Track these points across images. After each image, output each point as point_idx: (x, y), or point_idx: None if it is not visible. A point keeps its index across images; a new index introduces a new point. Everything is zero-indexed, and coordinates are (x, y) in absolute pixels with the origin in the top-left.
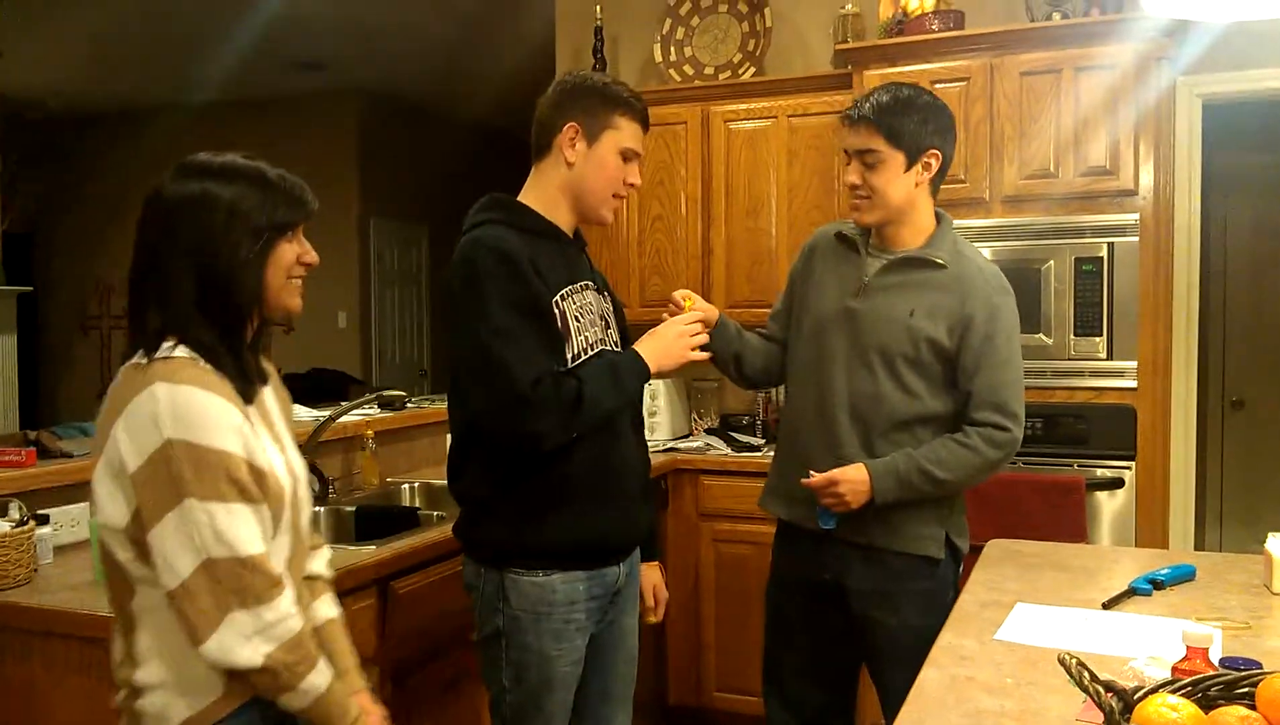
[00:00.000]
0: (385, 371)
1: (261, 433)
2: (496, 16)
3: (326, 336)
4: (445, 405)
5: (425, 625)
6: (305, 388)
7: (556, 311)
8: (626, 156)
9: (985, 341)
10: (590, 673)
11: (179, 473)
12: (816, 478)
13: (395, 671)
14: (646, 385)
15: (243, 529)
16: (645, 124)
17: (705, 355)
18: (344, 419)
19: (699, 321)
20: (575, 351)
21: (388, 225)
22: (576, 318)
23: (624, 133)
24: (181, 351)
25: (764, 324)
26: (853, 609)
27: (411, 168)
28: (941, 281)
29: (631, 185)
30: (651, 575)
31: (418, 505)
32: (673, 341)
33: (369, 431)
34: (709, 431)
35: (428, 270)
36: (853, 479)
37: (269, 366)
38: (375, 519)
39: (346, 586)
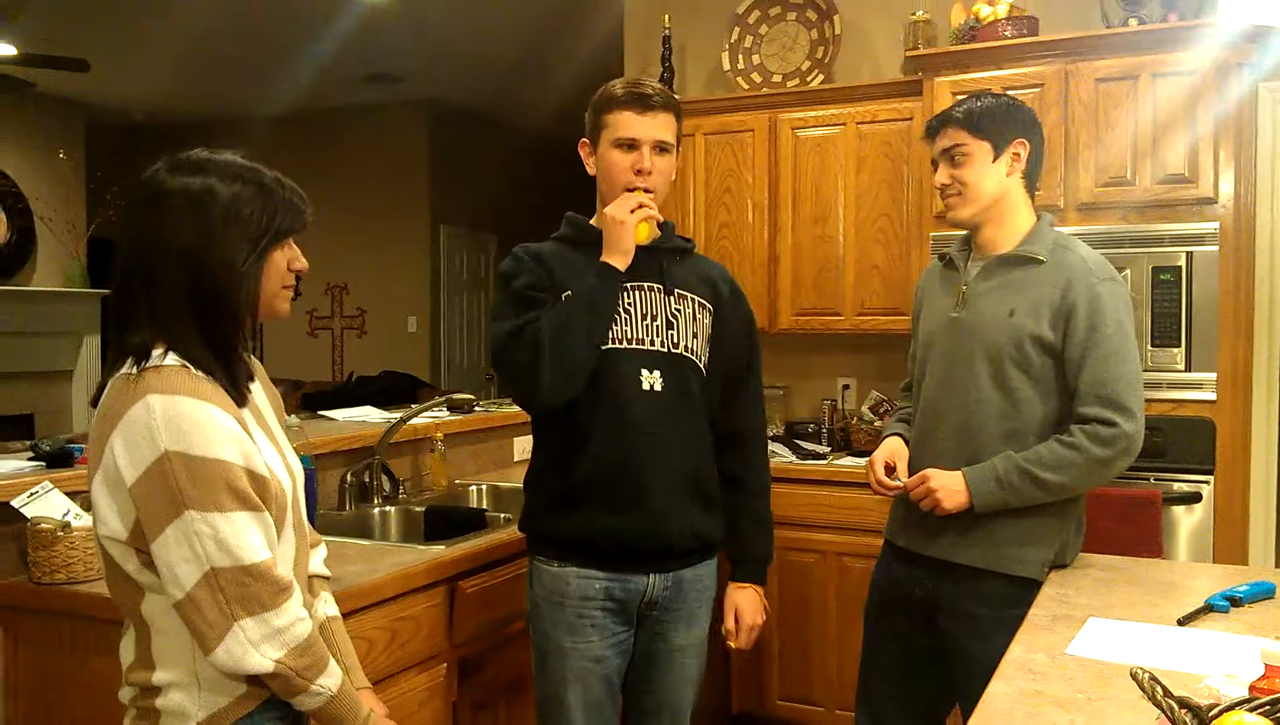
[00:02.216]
0: (453, 375)
1: (259, 435)
2: (566, 27)
3: (398, 340)
4: (510, 409)
5: (491, 624)
6: (377, 390)
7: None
8: (625, 145)
9: (1090, 332)
10: (642, 684)
11: (177, 485)
12: (909, 479)
13: (462, 669)
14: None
15: (245, 537)
16: (639, 107)
17: (652, 213)
18: (414, 421)
19: (640, 192)
20: None
21: (457, 233)
22: None
23: (613, 127)
24: (172, 359)
25: (833, 332)
26: (942, 629)
27: (480, 177)
28: (1041, 276)
29: (640, 172)
30: (736, 597)
31: (485, 507)
32: (614, 224)
33: (438, 434)
34: (774, 438)
35: (495, 277)
36: (945, 478)
37: (255, 364)
38: (444, 520)
39: (416, 585)
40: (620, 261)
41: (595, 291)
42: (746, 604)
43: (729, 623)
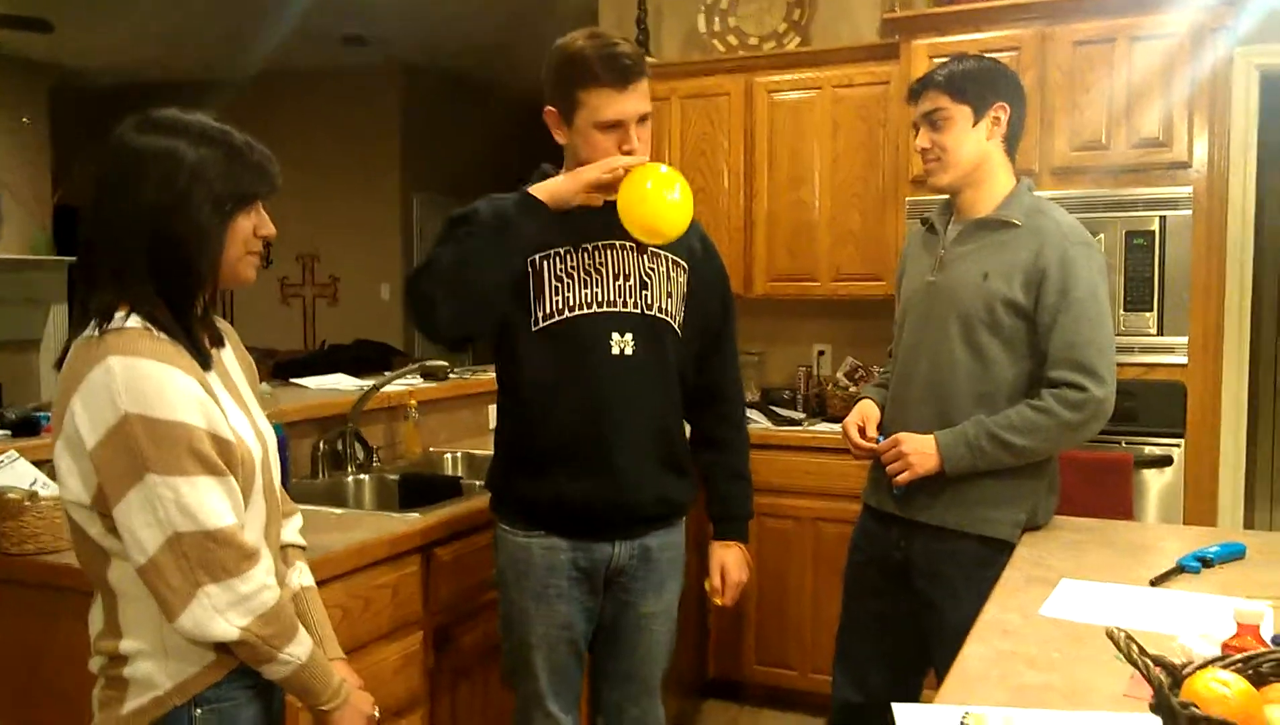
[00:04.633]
0: (427, 343)
1: (225, 399)
2: None
3: (370, 308)
4: (485, 376)
5: (468, 591)
6: (350, 358)
7: (531, 271)
8: (608, 127)
9: (1061, 296)
10: (611, 651)
11: (138, 448)
12: (882, 443)
13: (438, 636)
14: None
15: (208, 502)
16: (619, 82)
17: (610, 193)
18: (387, 389)
19: (621, 168)
20: (547, 311)
21: (429, 199)
22: (560, 277)
23: (593, 108)
24: (134, 321)
25: (808, 297)
26: (916, 589)
27: (453, 142)
28: (1016, 240)
29: (629, 152)
30: (721, 555)
31: (460, 474)
32: (573, 177)
33: (412, 401)
34: (750, 405)
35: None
36: (917, 442)
37: (228, 330)
38: (418, 487)
39: (390, 553)
40: (547, 197)
41: (505, 221)
42: (732, 562)
43: (715, 580)
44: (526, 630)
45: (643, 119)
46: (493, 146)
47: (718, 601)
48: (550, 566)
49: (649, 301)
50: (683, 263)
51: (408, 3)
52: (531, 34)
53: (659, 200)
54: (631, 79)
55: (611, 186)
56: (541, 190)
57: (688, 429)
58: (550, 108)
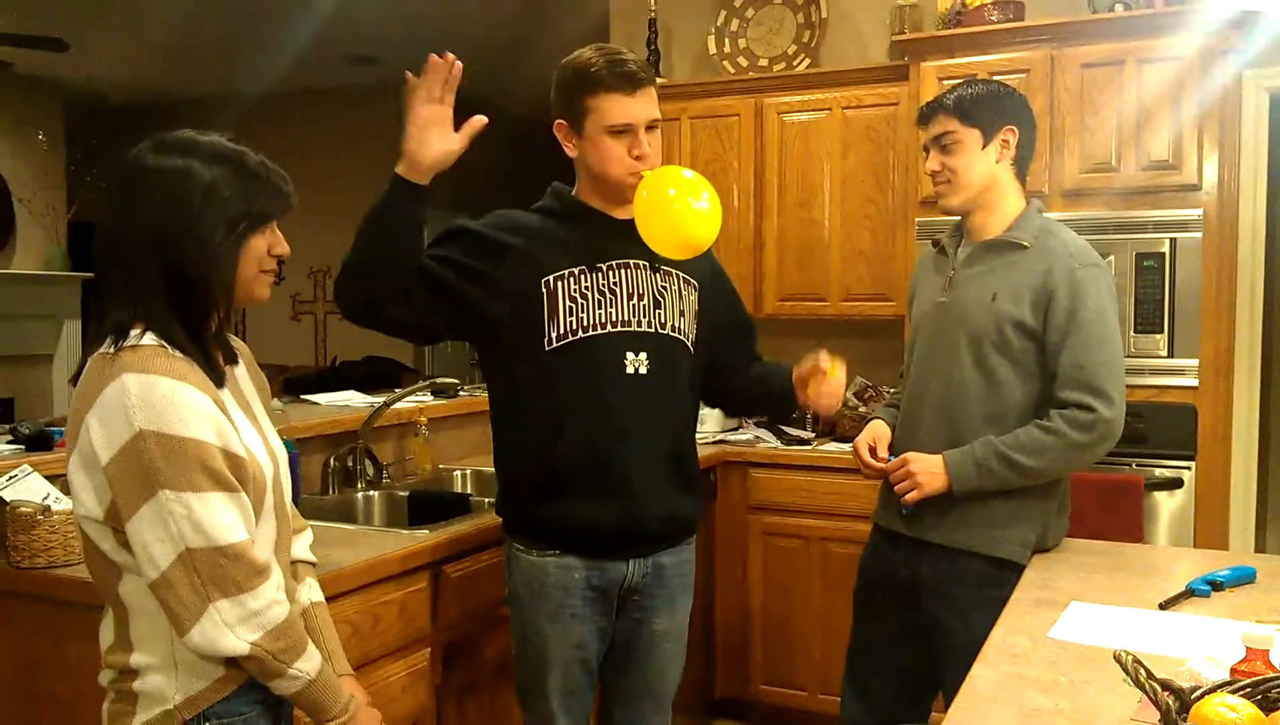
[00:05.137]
0: (438, 360)
1: (238, 416)
2: (550, 9)
3: None
4: None
5: (475, 608)
6: (361, 375)
7: (545, 291)
8: (618, 131)
9: (1069, 317)
10: (624, 670)
11: (152, 464)
12: (890, 463)
13: (448, 653)
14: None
15: (220, 518)
16: (628, 87)
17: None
18: (398, 406)
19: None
20: (561, 331)
21: (439, 215)
22: (574, 298)
23: (602, 112)
24: (149, 339)
25: (818, 317)
26: (924, 609)
27: (461, 158)
28: (1025, 262)
29: (640, 157)
30: (808, 359)
31: (469, 491)
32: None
33: (422, 418)
34: (758, 424)
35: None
36: (925, 461)
37: (242, 347)
38: (428, 504)
39: (399, 570)
40: (405, 167)
41: (386, 199)
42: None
43: (819, 369)
44: (541, 650)
45: (651, 126)
46: (501, 163)
47: (833, 377)
48: (565, 586)
49: (662, 320)
50: (693, 282)
51: (415, 24)
52: (539, 53)
53: (686, 210)
54: (639, 84)
55: (620, 192)
56: (400, 164)
57: (701, 436)
58: (560, 121)
